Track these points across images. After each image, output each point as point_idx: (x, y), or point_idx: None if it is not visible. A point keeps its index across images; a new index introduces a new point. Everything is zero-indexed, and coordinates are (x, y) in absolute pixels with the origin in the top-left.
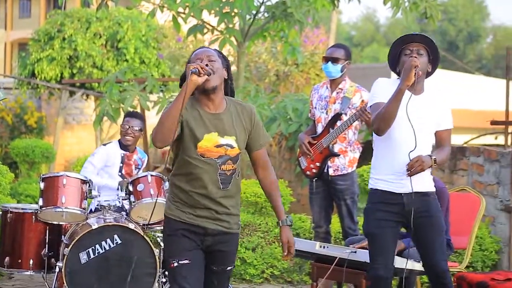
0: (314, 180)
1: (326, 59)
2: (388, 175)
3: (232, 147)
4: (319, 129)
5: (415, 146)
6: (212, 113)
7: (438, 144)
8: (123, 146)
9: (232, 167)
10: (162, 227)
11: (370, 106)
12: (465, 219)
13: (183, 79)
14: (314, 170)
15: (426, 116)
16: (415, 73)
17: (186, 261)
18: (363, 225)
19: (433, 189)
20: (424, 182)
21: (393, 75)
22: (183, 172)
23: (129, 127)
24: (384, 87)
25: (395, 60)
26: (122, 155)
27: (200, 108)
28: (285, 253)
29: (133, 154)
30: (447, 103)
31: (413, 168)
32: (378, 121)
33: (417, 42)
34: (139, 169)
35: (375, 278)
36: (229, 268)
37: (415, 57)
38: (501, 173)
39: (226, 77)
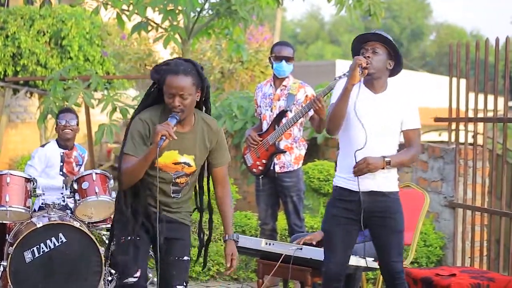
0: (260, 177)
1: (279, 58)
2: (346, 173)
3: (189, 165)
4: (265, 126)
5: (364, 145)
6: (177, 132)
7: (407, 144)
8: (61, 144)
9: (186, 180)
10: (107, 225)
11: (328, 107)
12: (410, 215)
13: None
14: (260, 168)
15: (387, 115)
16: (361, 72)
17: (137, 238)
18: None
19: (395, 189)
20: (383, 182)
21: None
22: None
23: (66, 121)
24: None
25: None
26: (62, 153)
27: None
28: (228, 265)
29: (73, 151)
30: (412, 102)
31: (358, 168)
32: (327, 122)
33: (373, 41)
34: (80, 165)
35: (326, 273)
36: (185, 258)
37: (368, 56)
38: (445, 170)
39: (198, 99)
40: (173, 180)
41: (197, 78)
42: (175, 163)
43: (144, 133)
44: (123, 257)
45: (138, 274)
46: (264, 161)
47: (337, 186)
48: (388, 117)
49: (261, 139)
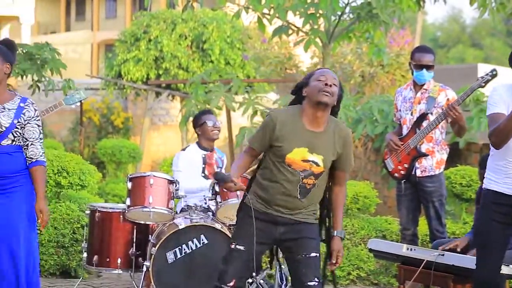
0: (401, 182)
1: (420, 67)
2: (500, 177)
3: (318, 165)
4: (405, 130)
5: None
6: (310, 130)
7: None
8: (203, 147)
9: (313, 181)
10: None
11: (488, 115)
12: None
13: (297, 89)
14: (402, 172)
15: None
16: None
17: (242, 248)
18: (473, 225)
19: None
20: None
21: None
22: (267, 175)
23: (214, 122)
24: (503, 96)
25: None
26: (203, 156)
27: (301, 122)
28: (334, 261)
29: (213, 153)
30: None
31: None
32: (496, 135)
33: None
34: (221, 168)
35: (479, 280)
36: (313, 254)
37: None
38: None
39: (335, 106)
40: (301, 181)
41: (339, 86)
42: (304, 160)
43: (269, 129)
44: (224, 265)
45: (231, 284)
46: (405, 165)
47: (489, 189)
48: None
49: (402, 143)
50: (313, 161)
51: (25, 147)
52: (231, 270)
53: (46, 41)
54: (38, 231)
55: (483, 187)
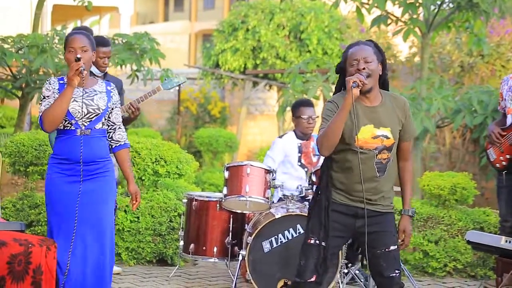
0: (503, 173)
1: None
2: None
3: (387, 137)
4: (509, 120)
5: None
6: (368, 106)
7: None
8: (299, 135)
9: (387, 156)
10: None
11: None
12: None
13: (339, 69)
14: (503, 163)
15: None
16: None
17: (323, 243)
18: None
19: None
20: None
21: None
22: (341, 161)
23: (309, 116)
24: None
25: None
26: (299, 144)
27: (357, 102)
28: (400, 241)
29: (310, 141)
30: None
31: None
32: None
33: None
34: (318, 155)
35: None
36: (392, 248)
37: None
38: None
39: (381, 73)
40: (375, 157)
41: (378, 52)
42: (374, 137)
43: (333, 110)
44: (303, 261)
45: (312, 279)
46: (508, 156)
47: None
48: None
49: (505, 133)
50: (382, 135)
51: (111, 131)
52: (311, 266)
53: (145, 31)
54: (136, 219)
55: None
